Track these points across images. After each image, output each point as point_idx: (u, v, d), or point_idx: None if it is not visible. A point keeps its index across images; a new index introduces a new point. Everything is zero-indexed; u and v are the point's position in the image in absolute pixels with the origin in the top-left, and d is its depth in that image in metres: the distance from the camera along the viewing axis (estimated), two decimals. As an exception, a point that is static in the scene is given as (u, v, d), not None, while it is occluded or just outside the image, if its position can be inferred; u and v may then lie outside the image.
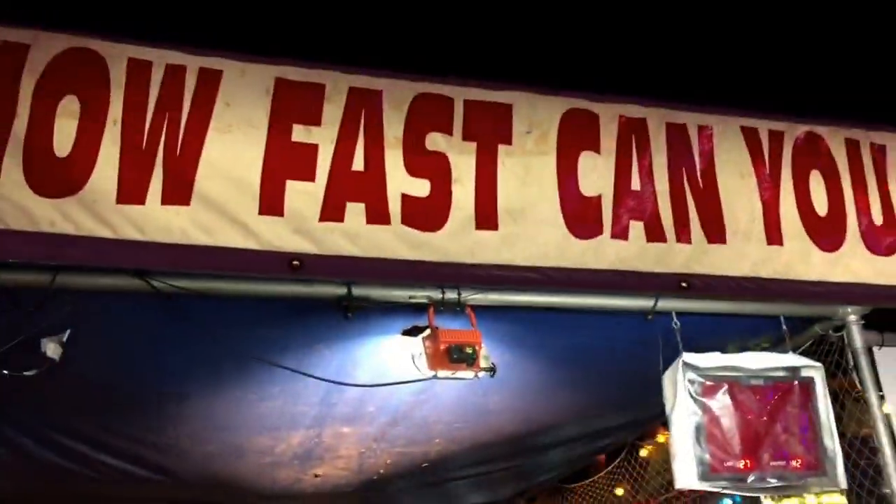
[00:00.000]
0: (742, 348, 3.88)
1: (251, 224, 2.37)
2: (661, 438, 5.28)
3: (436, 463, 5.00)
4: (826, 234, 2.89)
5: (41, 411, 3.84)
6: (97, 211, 2.25)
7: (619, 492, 5.88)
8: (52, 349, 3.38)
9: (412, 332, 3.77)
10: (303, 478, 4.93)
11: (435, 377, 3.71)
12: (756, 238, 2.81)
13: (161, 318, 3.30)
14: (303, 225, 2.41)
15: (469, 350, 3.65)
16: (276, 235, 2.39)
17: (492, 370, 3.72)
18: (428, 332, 3.70)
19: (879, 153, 3.00)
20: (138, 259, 2.29)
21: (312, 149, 2.45)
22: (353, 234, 2.45)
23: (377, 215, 2.47)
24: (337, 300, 3.00)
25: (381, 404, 4.21)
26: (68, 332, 3.39)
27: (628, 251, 2.67)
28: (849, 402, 4.25)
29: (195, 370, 3.81)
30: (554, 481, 6.08)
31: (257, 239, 2.38)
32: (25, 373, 3.36)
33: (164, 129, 2.33)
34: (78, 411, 3.94)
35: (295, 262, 2.40)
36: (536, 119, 2.66)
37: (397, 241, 2.49)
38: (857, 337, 4.02)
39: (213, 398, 4.04)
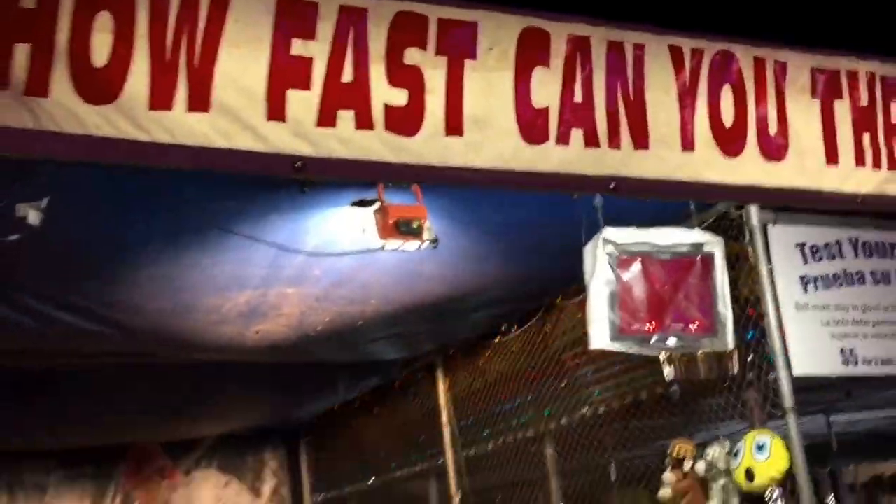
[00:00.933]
0: (655, 223, 4.72)
1: (260, 129, 2.94)
2: (569, 305, 6.13)
3: (369, 322, 5.84)
4: (730, 142, 3.63)
5: (5, 274, 4.43)
6: (133, 117, 2.79)
7: (526, 348, 6.81)
8: (32, 216, 3.94)
9: (360, 204, 4.49)
10: (245, 333, 5.68)
11: (383, 248, 4.47)
12: (674, 145, 3.54)
13: (125, 187, 3.91)
14: (302, 130, 3.00)
15: (416, 224, 4.40)
16: (280, 139, 2.96)
17: (435, 242, 4.49)
18: (377, 206, 4.42)
19: (781, 70, 3.75)
20: (170, 159, 2.85)
21: (308, 62, 3.01)
22: (345, 139, 3.05)
23: (364, 122, 3.06)
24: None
25: (326, 268, 4.93)
26: (46, 199, 3.96)
27: (569, 156, 3.36)
28: (742, 268, 5.20)
29: (155, 237, 4.42)
30: (471, 338, 6.98)
31: (266, 142, 2.95)
32: (9, 237, 3.94)
33: (184, 42, 2.85)
34: (38, 273, 4.53)
35: (297, 164, 3.00)
36: (498, 37, 3.26)
37: (381, 145, 3.10)
38: (755, 216, 4.90)
39: (169, 262, 4.66)
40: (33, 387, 6.32)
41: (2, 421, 7.02)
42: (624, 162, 3.42)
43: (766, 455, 4.58)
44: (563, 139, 3.31)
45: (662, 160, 3.47)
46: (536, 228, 4.59)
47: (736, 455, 4.72)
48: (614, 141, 3.37)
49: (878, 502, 13.50)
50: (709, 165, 3.56)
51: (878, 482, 13.58)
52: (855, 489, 12.38)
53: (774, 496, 4.68)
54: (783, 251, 4.91)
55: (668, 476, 5.09)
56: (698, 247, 4.36)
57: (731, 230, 4.95)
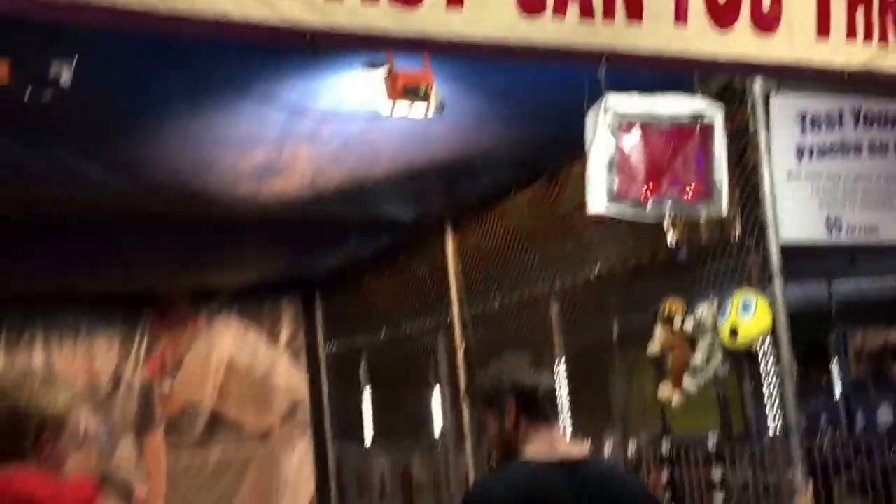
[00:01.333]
0: (657, 90, 4.95)
1: (274, 0, 3.22)
2: (574, 168, 6.40)
3: (379, 182, 6.20)
4: (722, 15, 3.81)
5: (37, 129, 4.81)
6: (154, -14, 3.07)
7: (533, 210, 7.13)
8: (65, 75, 4.24)
9: (370, 66, 4.76)
10: (259, 190, 6.07)
11: (391, 113, 4.77)
12: (667, 19, 3.74)
13: (143, 47, 4.20)
14: (313, 1, 3.26)
15: (423, 89, 4.69)
16: (292, 11, 3.20)
17: (441, 108, 4.79)
18: (387, 71, 4.70)
19: (780, -54, 3.91)
20: (188, 29, 3.11)
21: None
22: (353, 12, 3.28)
23: None
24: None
25: (336, 129, 5.24)
26: (76, 58, 4.25)
27: (564, 28, 3.57)
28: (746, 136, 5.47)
29: (173, 95, 4.74)
30: (481, 199, 7.33)
31: (279, 14, 3.18)
32: (42, 94, 4.26)
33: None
34: (68, 129, 4.89)
35: (308, 36, 3.27)
36: None
37: (385, 18, 3.32)
38: (757, 86, 5.16)
39: (187, 120, 5.00)
40: (66, 235, 6.79)
41: (36, 266, 7.56)
42: (618, 35, 3.63)
43: (750, 314, 4.98)
44: (559, 12, 3.53)
45: (656, 34, 3.67)
46: (539, 93, 4.85)
47: (723, 314, 5.13)
48: (609, 14, 3.59)
49: (885, 369, 14.03)
50: (701, 39, 3.74)
51: (886, 350, 14.08)
52: (862, 356, 12.84)
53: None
54: (783, 121, 5.17)
55: (658, 332, 5.53)
56: (699, 114, 4.48)
57: (735, 100, 5.20)
